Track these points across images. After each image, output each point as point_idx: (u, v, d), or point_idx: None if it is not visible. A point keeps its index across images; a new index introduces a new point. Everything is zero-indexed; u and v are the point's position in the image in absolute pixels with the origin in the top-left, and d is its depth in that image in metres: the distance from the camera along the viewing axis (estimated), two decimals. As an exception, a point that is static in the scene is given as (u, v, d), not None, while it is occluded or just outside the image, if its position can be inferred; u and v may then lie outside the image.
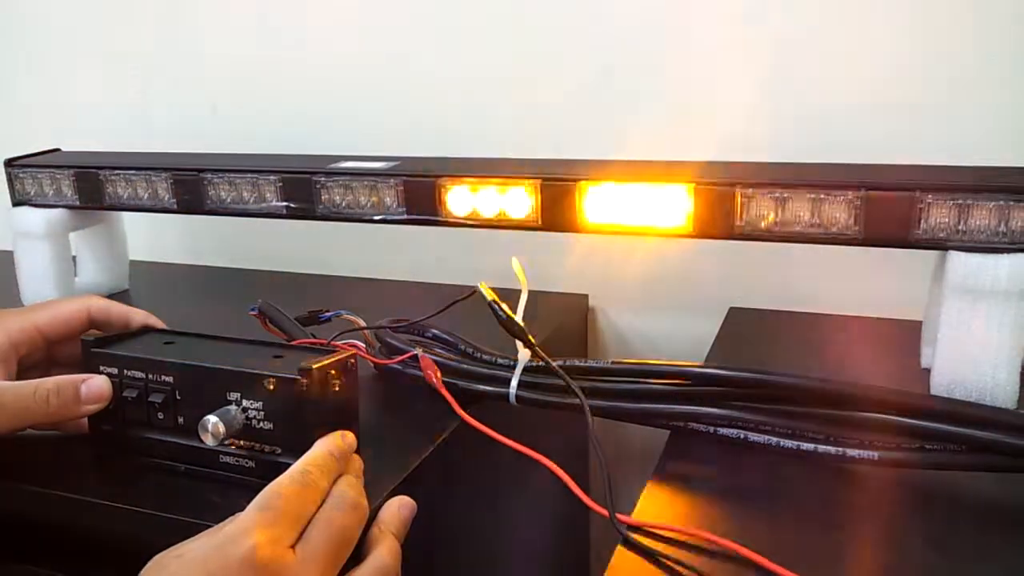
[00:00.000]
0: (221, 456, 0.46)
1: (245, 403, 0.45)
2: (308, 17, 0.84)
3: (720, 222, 0.55)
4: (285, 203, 0.67)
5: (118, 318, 0.54)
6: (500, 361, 0.55)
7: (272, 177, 0.67)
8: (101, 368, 0.49)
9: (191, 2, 0.88)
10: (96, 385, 0.48)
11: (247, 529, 0.37)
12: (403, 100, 0.82)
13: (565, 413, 0.51)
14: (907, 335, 0.60)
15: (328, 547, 0.39)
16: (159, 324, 0.55)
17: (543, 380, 0.53)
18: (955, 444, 0.44)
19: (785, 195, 0.54)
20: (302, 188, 0.66)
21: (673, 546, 0.40)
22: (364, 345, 0.56)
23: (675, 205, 0.56)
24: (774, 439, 0.47)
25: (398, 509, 0.44)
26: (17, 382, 0.48)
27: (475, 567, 0.59)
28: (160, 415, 0.47)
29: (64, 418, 0.48)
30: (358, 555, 0.41)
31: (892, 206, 0.51)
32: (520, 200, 0.60)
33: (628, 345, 0.81)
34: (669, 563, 0.39)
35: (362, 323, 0.58)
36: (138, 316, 0.54)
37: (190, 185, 0.70)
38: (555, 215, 0.59)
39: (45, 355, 0.53)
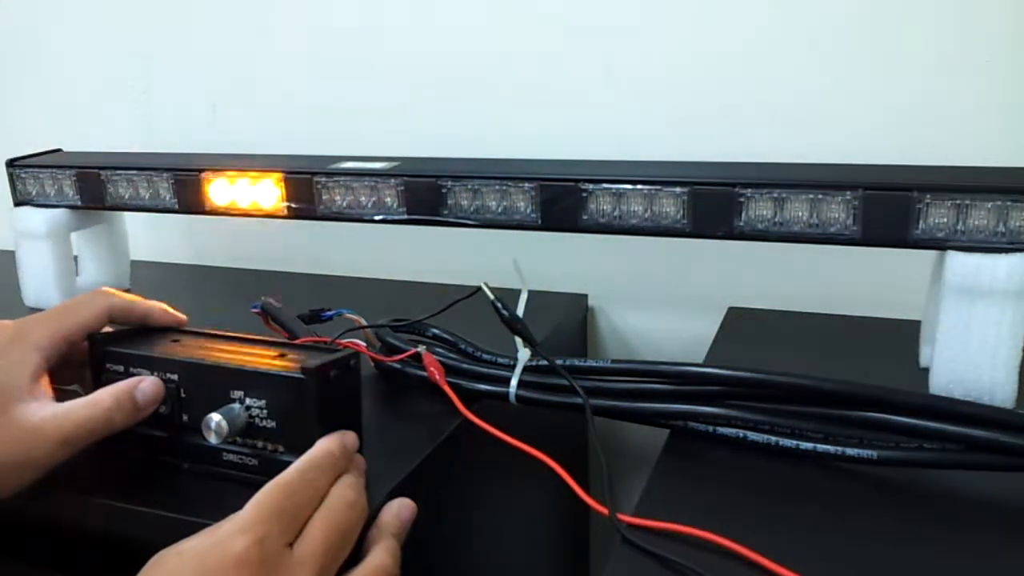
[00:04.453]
0: (224, 454, 0.46)
1: (248, 401, 0.45)
2: (308, 17, 0.84)
3: (720, 222, 0.56)
4: (286, 203, 0.67)
5: (138, 314, 0.53)
6: (500, 361, 0.55)
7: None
8: (108, 365, 0.49)
9: (191, 2, 0.88)
10: (151, 389, 0.47)
11: (245, 527, 0.38)
12: (403, 100, 0.82)
13: (564, 413, 0.52)
14: (906, 335, 0.61)
15: (326, 546, 0.39)
16: (176, 315, 0.54)
17: (543, 380, 0.53)
18: (954, 443, 0.44)
19: (784, 195, 0.54)
20: (303, 188, 0.66)
21: (673, 545, 0.40)
22: (365, 344, 0.56)
23: (673, 205, 0.56)
24: (773, 438, 0.48)
25: (398, 511, 0.44)
26: (67, 406, 0.46)
27: (475, 566, 0.60)
28: (164, 412, 0.47)
29: (124, 428, 0.47)
30: (357, 556, 0.41)
31: (891, 206, 0.52)
32: (519, 200, 0.60)
33: (627, 345, 0.81)
34: (669, 562, 0.39)
35: (363, 322, 0.58)
36: (156, 311, 0.53)
37: (191, 185, 0.70)
38: (555, 215, 0.60)
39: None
